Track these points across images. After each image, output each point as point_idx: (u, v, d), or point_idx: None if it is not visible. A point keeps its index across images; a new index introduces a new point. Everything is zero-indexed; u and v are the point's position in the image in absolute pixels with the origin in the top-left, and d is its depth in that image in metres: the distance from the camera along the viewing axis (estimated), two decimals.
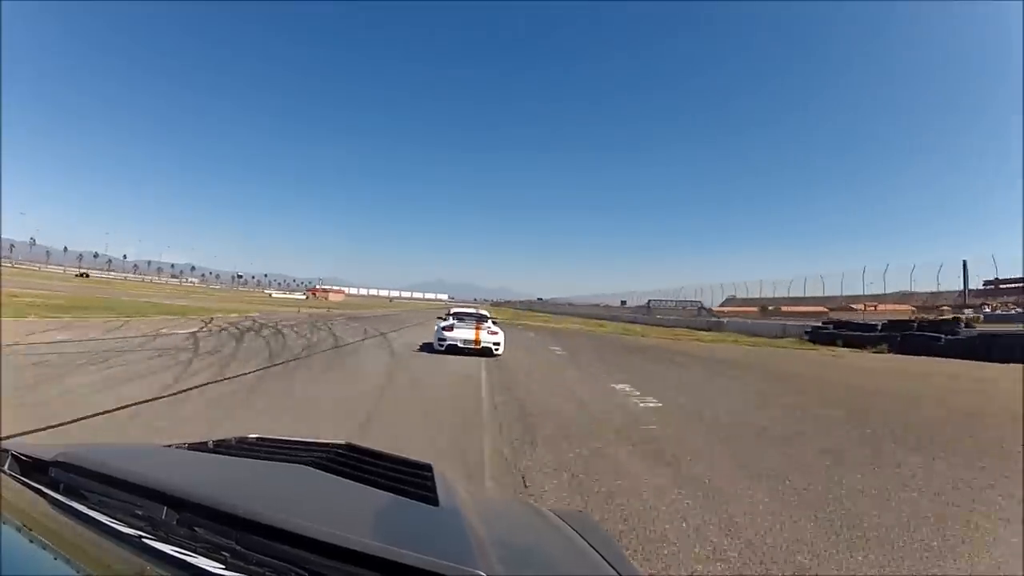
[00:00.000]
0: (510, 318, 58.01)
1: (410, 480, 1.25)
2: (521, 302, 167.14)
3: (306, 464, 1.28)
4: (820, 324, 30.36)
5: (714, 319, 45.92)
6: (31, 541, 0.83)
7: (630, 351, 20.38)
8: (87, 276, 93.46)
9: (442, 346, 15.04)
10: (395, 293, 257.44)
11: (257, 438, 1.65)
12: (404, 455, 1.50)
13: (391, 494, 1.12)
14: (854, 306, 44.25)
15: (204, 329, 17.04)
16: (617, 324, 51.82)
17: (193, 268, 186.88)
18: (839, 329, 27.40)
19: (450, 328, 15.49)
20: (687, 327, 45.52)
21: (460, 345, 14.88)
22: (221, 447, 1.51)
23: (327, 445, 1.54)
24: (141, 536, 0.87)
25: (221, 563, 0.81)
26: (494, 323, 17.01)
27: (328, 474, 1.22)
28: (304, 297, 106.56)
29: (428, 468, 1.36)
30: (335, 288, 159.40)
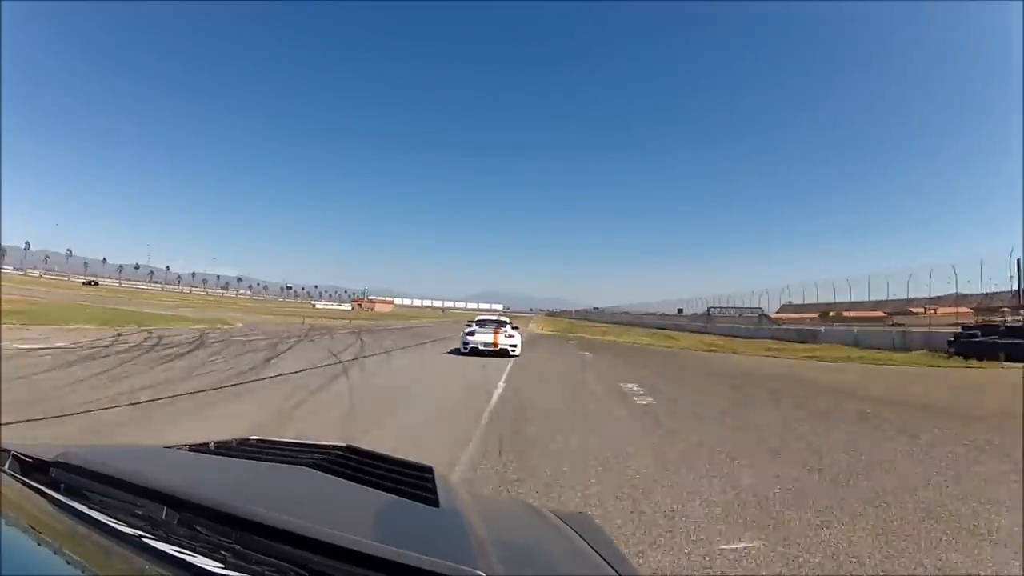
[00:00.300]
0: (564, 330, 51.03)
1: (411, 482, 1.24)
2: (577, 312, 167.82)
3: (307, 466, 1.28)
4: (961, 330, 22.72)
5: (806, 328, 40.34)
6: (32, 541, 0.82)
7: (769, 395, 11.23)
8: (96, 284, 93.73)
9: (466, 349, 17.20)
10: (449, 304, 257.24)
11: (258, 440, 1.64)
12: (405, 457, 1.50)
13: (392, 495, 1.12)
14: (914, 309, 42.07)
15: (87, 345, 12.57)
16: (690, 336, 44.11)
17: (239, 279, 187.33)
18: (988, 335, 20.12)
19: (472, 333, 17.60)
20: (772, 338, 38.12)
21: (480, 347, 17.00)
22: (222, 448, 1.51)
23: (328, 447, 1.55)
24: (141, 536, 0.86)
25: (221, 563, 0.80)
26: (513, 328, 18.50)
27: (329, 476, 1.22)
28: (350, 308, 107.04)
29: (429, 470, 1.36)
30: (382, 299, 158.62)
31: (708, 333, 46.93)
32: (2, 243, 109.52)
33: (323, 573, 0.77)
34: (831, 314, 49.64)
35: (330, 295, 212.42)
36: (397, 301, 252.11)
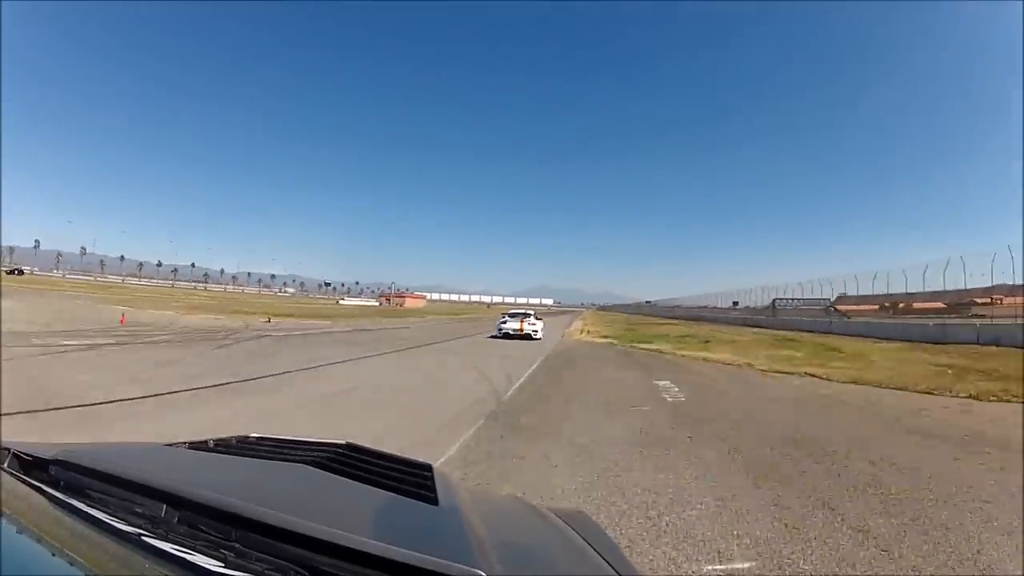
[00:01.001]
0: (623, 335, 29.84)
1: (410, 480, 1.23)
2: (628, 306, 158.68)
3: (306, 463, 1.27)
4: None
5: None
6: (31, 539, 0.82)
7: None
8: (21, 273, 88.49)
9: (500, 333, 23.88)
10: (497, 299, 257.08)
11: (258, 437, 1.63)
12: (404, 455, 1.48)
13: (391, 493, 1.11)
14: (979, 300, 37.15)
15: None
16: (808, 339, 26.51)
17: (273, 277, 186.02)
18: None
19: (505, 322, 24.42)
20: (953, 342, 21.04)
21: (511, 332, 23.51)
22: (221, 446, 1.50)
23: (327, 445, 1.52)
24: (141, 534, 0.86)
25: (221, 561, 0.79)
26: (536, 318, 24.87)
27: (328, 473, 1.21)
28: (378, 304, 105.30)
29: (428, 468, 1.35)
30: (414, 293, 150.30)
31: (797, 329, 36.82)
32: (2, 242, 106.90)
33: (323, 572, 0.76)
34: (901, 306, 44.46)
35: (373, 291, 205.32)
36: (444, 296, 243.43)
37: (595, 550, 1.07)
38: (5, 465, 1.14)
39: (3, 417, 5.01)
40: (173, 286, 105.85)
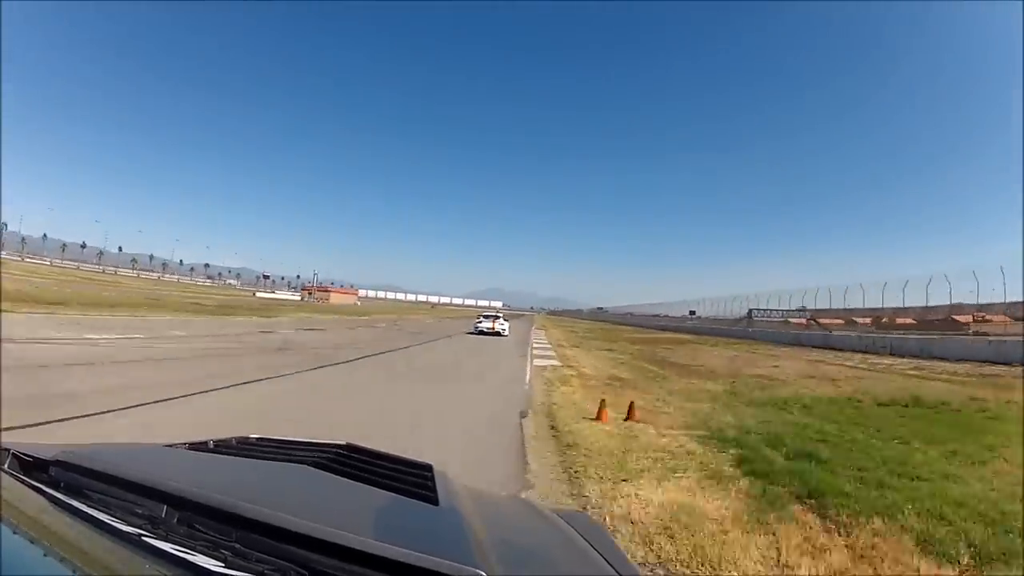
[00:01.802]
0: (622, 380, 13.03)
1: (410, 480, 1.24)
2: (580, 312, 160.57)
3: (307, 464, 1.28)
4: None
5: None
6: (31, 540, 0.82)
7: None
8: None
9: (476, 331, 29.69)
10: (445, 299, 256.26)
11: (258, 438, 1.63)
12: (404, 455, 1.49)
13: (391, 494, 1.12)
14: (958, 318, 36.07)
15: None
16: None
17: (207, 266, 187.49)
18: None
19: (480, 322, 30.97)
20: None
21: (485, 330, 29.32)
22: (222, 447, 1.50)
23: (327, 445, 1.53)
24: (141, 535, 0.86)
25: (222, 562, 0.80)
26: (504, 320, 32.02)
27: (329, 474, 1.22)
28: (300, 298, 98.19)
29: (428, 468, 1.35)
30: (342, 288, 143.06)
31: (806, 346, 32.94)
32: None
33: (323, 572, 0.77)
34: (884, 320, 42.41)
35: (314, 285, 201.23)
36: (388, 295, 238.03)
37: (596, 551, 1.07)
38: (5, 466, 1.12)
39: None
40: (79, 268, 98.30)
